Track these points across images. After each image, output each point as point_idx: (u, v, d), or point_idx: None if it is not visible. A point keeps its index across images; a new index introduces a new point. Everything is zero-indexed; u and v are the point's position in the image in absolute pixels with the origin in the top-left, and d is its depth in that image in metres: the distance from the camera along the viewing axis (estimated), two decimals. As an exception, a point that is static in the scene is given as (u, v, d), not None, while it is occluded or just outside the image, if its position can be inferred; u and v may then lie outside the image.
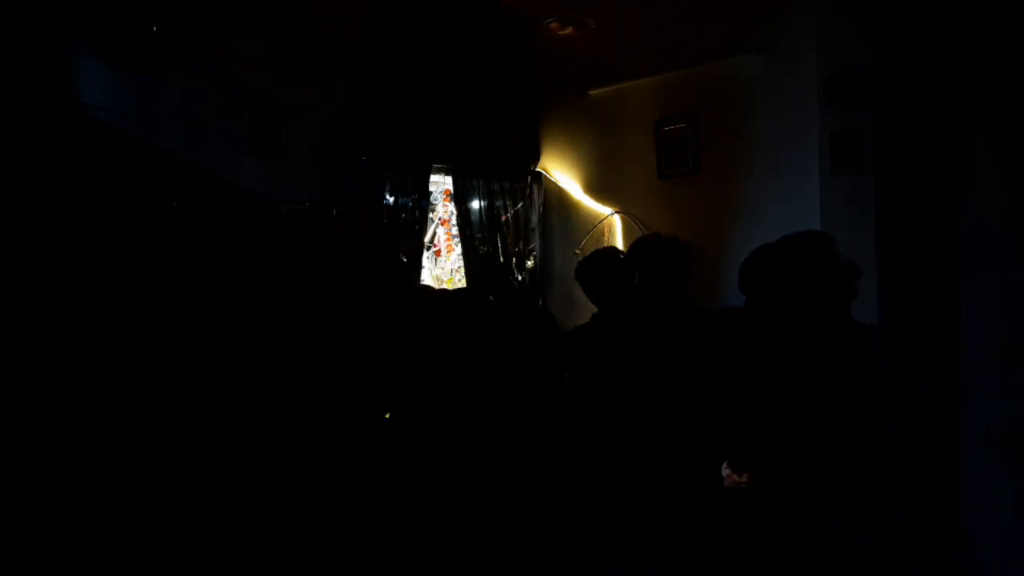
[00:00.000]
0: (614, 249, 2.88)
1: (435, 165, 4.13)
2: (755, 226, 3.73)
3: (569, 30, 4.39)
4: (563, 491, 1.73)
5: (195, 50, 3.00)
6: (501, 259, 4.51)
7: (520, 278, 4.63)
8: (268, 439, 2.44)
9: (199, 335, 2.68)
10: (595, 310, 2.59)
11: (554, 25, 4.37)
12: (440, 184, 4.47)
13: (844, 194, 3.15)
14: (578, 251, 4.53)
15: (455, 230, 4.53)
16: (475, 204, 4.43)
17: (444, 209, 4.60)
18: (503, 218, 4.54)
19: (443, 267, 4.64)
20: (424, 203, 4.02)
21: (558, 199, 4.72)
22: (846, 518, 1.78)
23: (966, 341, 2.10)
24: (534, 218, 4.74)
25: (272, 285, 3.09)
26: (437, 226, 4.57)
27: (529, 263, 4.71)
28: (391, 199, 3.85)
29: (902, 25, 2.94)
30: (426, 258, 4.25)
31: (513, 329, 2.05)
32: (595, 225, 4.48)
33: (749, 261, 2.05)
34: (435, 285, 4.52)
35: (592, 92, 4.42)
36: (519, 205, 4.65)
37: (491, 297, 4.38)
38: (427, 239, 4.23)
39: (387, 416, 2.33)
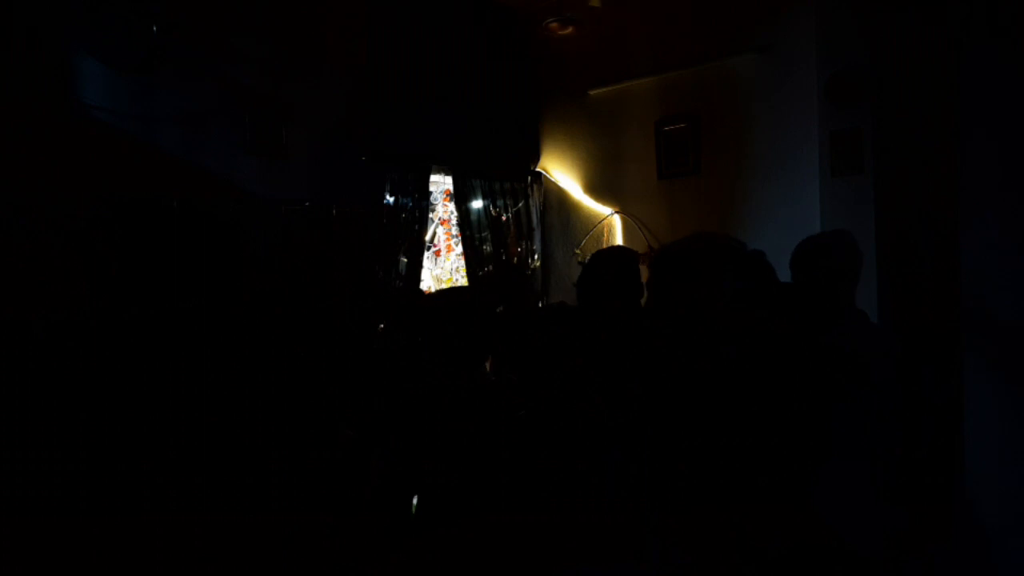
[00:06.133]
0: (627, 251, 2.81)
1: (435, 165, 4.13)
2: (755, 226, 3.73)
3: (569, 30, 4.39)
4: (563, 491, 1.73)
5: (195, 50, 3.00)
6: (502, 259, 4.51)
7: (525, 274, 4.63)
8: (268, 438, 2.44)
9: (199, 334, 2.68)
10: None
11: (554, 25, 4.37)
12: (440, 184, 4.47)
13: (844, 194, 3.15)
14: (578, 251, 4.53)
15: (455, 230, 4.53)
16: (475, 204, 4.43)
17: (444, 209, 4.60)
18: (503, 218, 4.54)
19: (443, 267, 4.64)
20: (424, 203, 4.02)
21: (558, 199, 4.73)
22: (846, 518, 1.78)
23: (966, 341, 2.10)
24: (534, 218, 4.74)
25: (272, 285, 3.09)
26: (437, 226, 4.57)
27: (531, 263, 4.71)
28: (391, 199, 3.85)
29: (902, 25, 2.94)
30: (426, 258, 4.25)
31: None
32: (595, 225, 4.47)
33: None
34: (435, 285, 4.52)
35: (592, 92, 4.42)
36: (519, 205, 4.65)
37: (491, 297, 4.39)
38: (427, 239, 4.23)
39: (387, 416, 2.33)
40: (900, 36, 2.93)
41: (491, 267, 4.46)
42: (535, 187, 4.74)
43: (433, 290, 4.36)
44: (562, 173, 4.69)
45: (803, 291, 2.11)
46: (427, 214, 4.08)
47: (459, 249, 4.50)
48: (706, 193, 3.95)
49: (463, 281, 4.51)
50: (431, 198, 4.14)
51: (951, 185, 2.10)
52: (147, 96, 2.87)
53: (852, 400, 1.85)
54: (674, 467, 1.80)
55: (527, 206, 4.70)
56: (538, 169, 4.77)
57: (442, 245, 4.64)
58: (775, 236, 3.56)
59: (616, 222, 4.38)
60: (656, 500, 1.75)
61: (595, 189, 4.52)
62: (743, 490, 1.71)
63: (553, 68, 4.63)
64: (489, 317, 2.33)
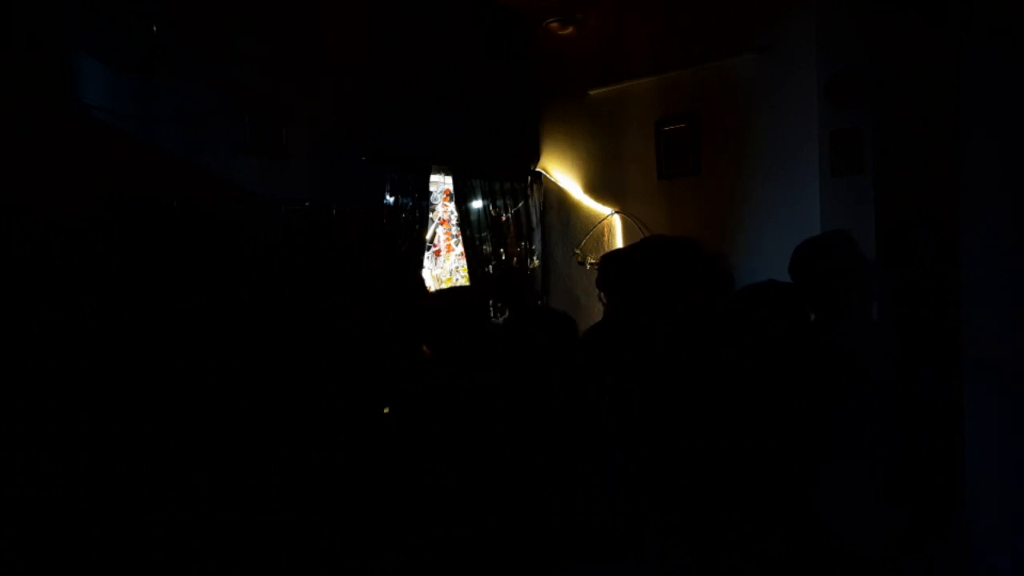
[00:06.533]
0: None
1: (435, 165, 4.13)
2: (755, 226, 3.73)
3: (569, 30, 4.39)
4: (563, 491, 1.73)
5: (195, 50, 3.00)
6: (502, 259, 4.51)
7: (525, 275, 4.64)
8: (268, 438, 2.44)
9: (199, 334, 2.68)
10: (597, 310, 2.58)
11: (554, 25, 4.37)
12: (440, 184, 4.47)
13: (844, 194, 3.15)
14: (578, 251, 4.53)
15: (455, 230, 4.53)
16: (475, 204, 4.43)
17: (444, 209, 4.61)
18: (503, 218, 4.54)
19: (443, 267, 4.64)
20: (424, 203, 4.02)
21: (558, 199, 4.73)
22: (846, 518, 1.78)
23: (966, 340, 2.10)
24: (534, 218, 4.74)
25: (272, 285, 3.09)
26: (437, 226, 4.58)
27: (531, 263, 4.71)
28: (391, 199, 3.85)
29: (902, 25, 2.94)
30: (426, 258, 4.25)
31: (529, 330, 2.04)
32: (595, 225, 4.48)
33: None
34: (435, 285, 4.52)
35: (592, 92, 4.42)
36: (519, 205, 4.65)
37: (491, 297, 4.40)
38: (427, 239, 4.23)
39: (387, 415, 2.33)
40: (900, 36, 2.93)
41: (491, 267, 4.47)
42: (535, 187, 4.74)
43: (433, 290, 4.36)
44: (562, 173, 4.69)
45: (803, 292, 2.11)
46: (427, 214, 4.08)
47: (459, 249, 4.50)
48: (706, 193, 3.95)
49: (463, 281, 4.51)
50: (431, 198, 4.14)
51: (951, 185, 2.10)
52: (147, 96, 2.87)
53: (852, 400, 1.85)
54: (674, 467, 1.81)
55: (527, 206, 4.70)
56: (538, 169, 4.77)
57: (442, 245, 4.64)
58: (775, 236, 3.57)
59: (616, 222, 4.38)
60: (656, 500, 1.75)
61: (595, 189, 4.52)
62: (743, 490, 1.71)
63: (553, 68, 4.63)
64: (489, 317, 2.33)
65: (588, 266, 4.46)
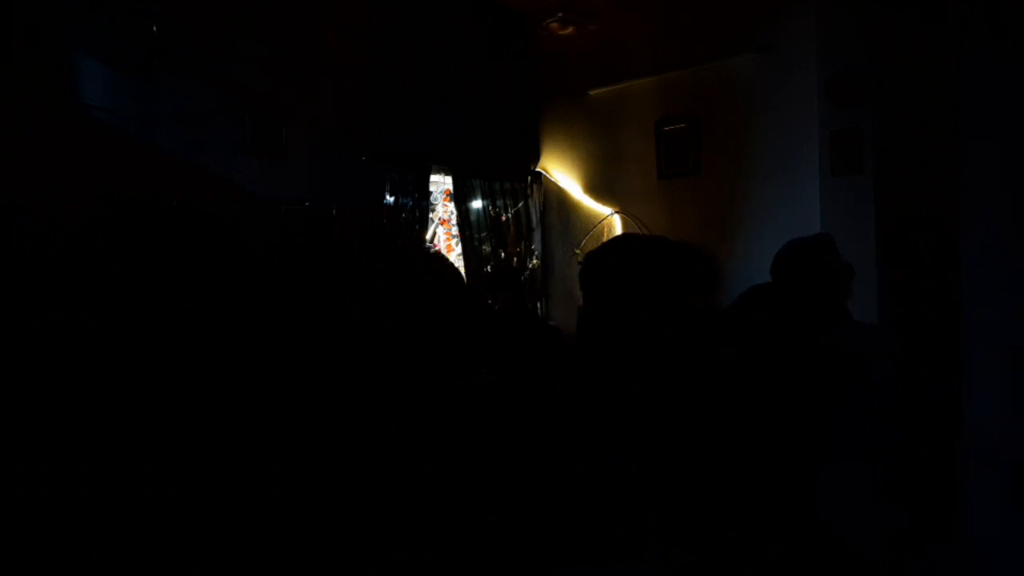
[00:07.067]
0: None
1: (435, 165, 4.13)
2: (755, 226, 3.73)
3: (569, 30, 4.39)
4: (563, 491, 1.73)
5: (195, 50, 3.00)
6: (502, 258, 4.51)
7: (521, 278, 4.64)
8: (268, 439, 2.44)
9: (199, 335, 2.68)
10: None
11: (554, 25, 4.37)
12: (440, 184, 4.47)
13: (844, 194, 3.15)
14: (578, 251, 4.53)
15: (455, 230, 4.53)
16: (475, 204, 4.43)
17: (444, 209, 4.60)
18: (503, 218, 4.54)
19: (443, 267, 4.63)
20: (424, 203, 4.02)
21: (558, 199, 4.73)
22: (846, 518, 1.78)
23: (966, 341, 2.10)
24: (534, 218, 4.74)
25: (272, 285, 3.09)
26: (437, 226, 4.57)
27: (531, 263, 4.71)
28: (391, 199, 3.85)
29: (902, 25, 2.94)
30: (426, 258, 4.25)
31: (514, 331, 2.04)
32: (595, 225, 4.48)
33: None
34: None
35: (592, 92, 4.42)
36: (519, 205, 4.65)
37: (489, 299, 4.40)
38: (427, 239, 4.23)
39: (387, 415, 2.32)
40: (900, 36, 2.93)
41: (491, 267, 4.47)
42: (535, 187, 4.74)
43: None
44: (562, 173, 4.69)
45: (802, 291, 2.11)
46: (427, 214, 4.08)
47: (459, 249, 4.50)
48: (706, 193, 3.95)
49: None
50: (431, 198, 4.14)
51: (951, 185, 2.10)
52: (147, 96, 2.87)
53: (852, 400, 1.85)
54: (674, 467, 1.81)
55: (527, 206, 4.70)
56: (538, 169, 4.77)
57: (442, 245, 4.64)
58: (775, 236, 3.55)
59: (616, 222, 4.38)
60: (656, 500, 1.75)
61: (595, 189, 4.52)
62: (743, 490, 1.71)
63: (553, 68, 4.63)
64: (489, 317, 2.32)
65: (588, 266, 4.46)
